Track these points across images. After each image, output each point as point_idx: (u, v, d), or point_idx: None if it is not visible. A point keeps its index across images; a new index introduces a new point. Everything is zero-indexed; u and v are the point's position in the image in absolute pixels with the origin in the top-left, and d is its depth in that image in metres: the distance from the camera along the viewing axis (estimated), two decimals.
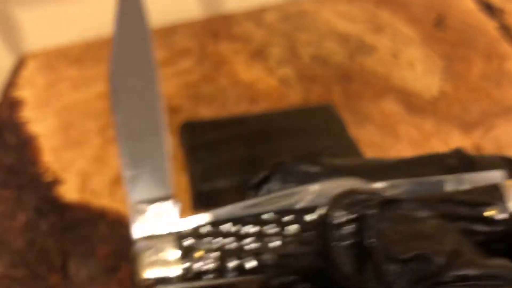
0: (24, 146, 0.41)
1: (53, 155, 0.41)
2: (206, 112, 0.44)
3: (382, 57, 0.49)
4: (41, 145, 0.41)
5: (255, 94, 0.45)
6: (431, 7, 0.55)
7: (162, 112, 0.20)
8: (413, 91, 0.46)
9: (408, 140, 0.41)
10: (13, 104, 0.45)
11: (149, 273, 0.18)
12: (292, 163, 0.20)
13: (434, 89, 0.46)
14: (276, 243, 0.17)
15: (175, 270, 0.18)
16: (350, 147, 0.37)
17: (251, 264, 0.18)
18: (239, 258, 0.18)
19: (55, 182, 0.38)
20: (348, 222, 0.16)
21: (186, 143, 0.38)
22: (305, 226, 0.18)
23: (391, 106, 0.44)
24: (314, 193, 0.18)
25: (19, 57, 0.50)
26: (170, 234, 0.19)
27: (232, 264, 0.18)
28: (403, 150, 0.40)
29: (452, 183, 0.18)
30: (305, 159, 0.20)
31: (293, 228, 0.18)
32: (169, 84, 0.46)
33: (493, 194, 0.18)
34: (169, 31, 0.52)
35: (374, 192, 0.17)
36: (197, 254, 0.18)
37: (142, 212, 0.19)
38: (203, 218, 0.19)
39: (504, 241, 0.18)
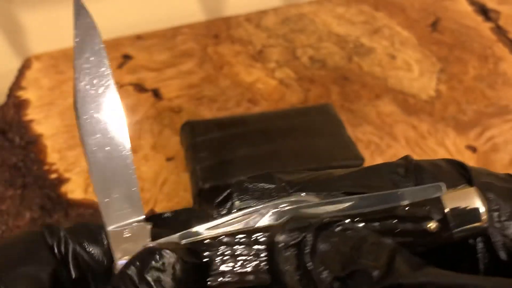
0: (29, 146, 0.42)
1: (57, 154, 0.41)
2: (207, 112, 0.44)
3: (379, 58, 0.50)
4: (46, 145, 0.42)
5: (255, 95, 0.46)
6: (427, 10, 0.55)
7: (126, 133, 0.20)
8: (410, 92, 0.46)
9: (405, 139, 0.42)
10: (18, 105, 0.45)
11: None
12: (249, 181, 0.21)
13: (430, 89, 0.46)
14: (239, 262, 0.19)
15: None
16: (348, 146, 0.37)
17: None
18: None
19: (60, 181, 0.39)
20: (291, 246, 0.17)
21: (187, 143, 0.38)
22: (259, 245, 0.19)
23: (388, 106, 0.45)
24: (266, 213, 0.19)
25: (24, 59, 0.50)
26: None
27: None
28: (400, 149, 0.41)
29: (394, 197, 0.19)
30: (260, 177, 0.21)
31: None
32: (171, 84, 0.47)
33: (433, 207, 0.19)
34: (172, 34, 0.52)
35: (316, 216, 0.18)
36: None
37: (119, 236, 0.20)
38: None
39: (442, 249, 0.19)
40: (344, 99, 0.45)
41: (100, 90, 0.20)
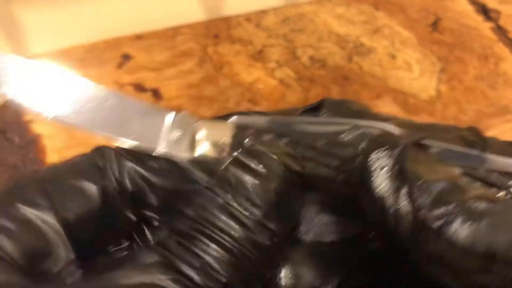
0: (28, 146, 0.42)
1: (56, 155, 0.41)
2: (207, 112, 0.44)
3: (379, 58, 0.50)
4: (45, 145, 0.42)
5: (255, 95, 0.46)
6: (427, 9, 0.55)
7: None
8: (410, 92, 0.46)
9: None
10: (18, 105, 0.45)
11: None
12: (338, 100, 0.21)
13: (430, 89, 0.46)
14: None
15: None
16: None
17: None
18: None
19: None
20: (386, 156, 0.17)
21: None
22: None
23: (388, 106, 0.45)
24: (359, 128, 0.19)
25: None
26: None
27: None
28: None
29: (475, 159, 0.19)
30: (349, 101, 0.21)
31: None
32: (171, 84, 0.47)
33: (506, 179, 0.18)
34: (172, 34, 0.52)
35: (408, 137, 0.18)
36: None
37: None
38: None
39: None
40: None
41: None
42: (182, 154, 0.19)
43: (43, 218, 0.18)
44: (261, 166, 0.17)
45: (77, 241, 0.19)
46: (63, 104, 0.19)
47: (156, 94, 0.46)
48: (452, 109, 0.44)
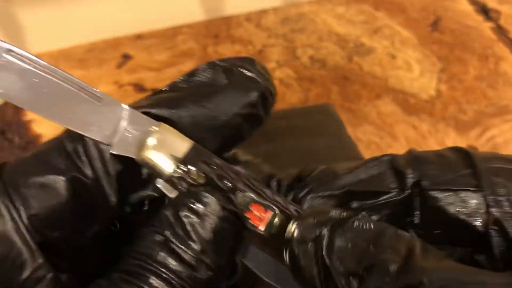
0: (28, 146, 0.42)
1: None
2: None
3: (379, 58, 0.50)
4: None
5: None
6: (427, 9, 0.55)
7: None
8: (410, 92, 0.46)
9: (405, 139, 0.42)
10: None
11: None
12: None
13: (430, 89, 0.46)
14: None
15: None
16: (348, 146, 0.37)
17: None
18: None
19: None
20: (308, 241, 0.17)
21: None
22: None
23: (388, 106, 0.45)
24: None
25: None
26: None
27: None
28: (401, 149, 0.41)
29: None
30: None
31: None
32: None
33: None
34: (172, 34, 0.52)
35: (333, 211, 0.18)
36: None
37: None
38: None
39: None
40: (344, 99, 0.45)
41: None
42: (129, 155, 0.19)
43: (4, 222, 0.18)
44: (199, 205, 0.18)
45: (50, 239, 0.18)
46: (11, 81, 0.18)
47: None
48: (452, 109, 0.44)
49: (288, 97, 0.45)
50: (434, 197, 0.19)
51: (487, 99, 0.45)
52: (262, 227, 0.19)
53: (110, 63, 0.49)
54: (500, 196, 0.18)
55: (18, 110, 0.45)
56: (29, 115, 0.44)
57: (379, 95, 0.46)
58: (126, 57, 0.50)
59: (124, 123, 0.19)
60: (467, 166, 0.19)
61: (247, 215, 0.19)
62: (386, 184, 0.20)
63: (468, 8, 0.55)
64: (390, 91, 0.46)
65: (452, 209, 0.19)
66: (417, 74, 0.48)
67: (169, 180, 0.19)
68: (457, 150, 0.20)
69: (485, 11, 0.55)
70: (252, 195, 0.19)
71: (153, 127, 0.19)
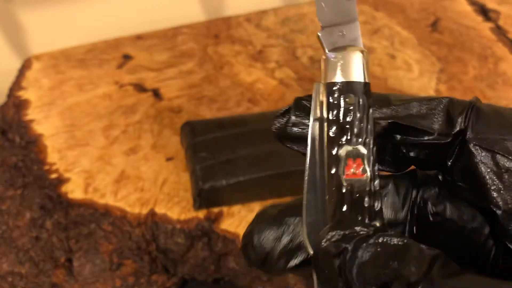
0: (29, 146, 0.42)
1: (57, 154, 0.41)
2: (207, 112, 0.44)
3: (379, 58, 0.50)
4: (46, 145, 0.42)
5: (255, 95, 0.46)
6: (427, 10, 0.55)
7: None
8: (409, 92, 0.46)
9: None
10: (18, 105, 0.45)
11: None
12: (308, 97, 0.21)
13: (430, 89, 0.47)
14: None
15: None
16: None
17: None
18: None
19: (60, 181, 0.39)
20: (333, 256, 0.18)
21: (187, 143, 0.38)
22: None
23: None
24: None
25: (24, 59, 0.50)
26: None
27: None
28: None
29: None
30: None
31: None
32: (171, 84, 0.47)
33: None
34: (172, 34, 0.53)
35: (359, 226, 0.18)
36: None
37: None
38: None
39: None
40: None
41: None
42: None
43: None
44: None
45: None
46: None
47: (156, 94, 0.46)
48: None
49: (288, 97, 0.45)
50: (471, 151, 0.19)
51: (487, 99, 0.46)
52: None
53: (111, 63, 0.49)
54: None
55: (18, 110, 0.45)
56: (30, 115, 0.45)
57: None
58: (127, 57, 0.50)
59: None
60: None
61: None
62: (434, 126, 0.19)
63: (468, 8, 0.55)
64: (389, 91, 0.46)
65: (483, 168, 0.19)
66: (416, 74, 0.48)
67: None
68: None
69: (485, 12, 0.55)
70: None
71: None
